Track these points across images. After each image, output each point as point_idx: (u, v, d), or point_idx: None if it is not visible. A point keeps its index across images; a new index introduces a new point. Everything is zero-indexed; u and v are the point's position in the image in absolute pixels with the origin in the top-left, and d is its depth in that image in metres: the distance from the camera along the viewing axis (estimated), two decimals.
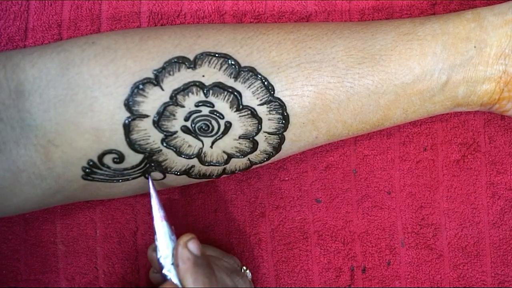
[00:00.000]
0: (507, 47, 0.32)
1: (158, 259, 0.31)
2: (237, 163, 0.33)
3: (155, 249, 0.31)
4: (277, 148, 0.33)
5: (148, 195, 0.39)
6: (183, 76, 0.31)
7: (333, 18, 0.39)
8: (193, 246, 0.31)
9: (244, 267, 0.38)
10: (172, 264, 0.31)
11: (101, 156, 0.31)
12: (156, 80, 0.30)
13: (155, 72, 0.30)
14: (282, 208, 0.40)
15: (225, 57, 0.31)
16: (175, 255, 0.31)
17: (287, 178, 0.40)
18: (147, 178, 0.33)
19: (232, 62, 0.31)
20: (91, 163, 0.31)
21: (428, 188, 0.40)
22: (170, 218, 0.39)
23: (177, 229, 0.39)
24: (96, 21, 0.39)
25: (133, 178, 0.32)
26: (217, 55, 0.31)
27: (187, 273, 0.30)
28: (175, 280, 0.30)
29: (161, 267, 0.31)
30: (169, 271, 0.31)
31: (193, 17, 0.39)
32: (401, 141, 0.40)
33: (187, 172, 0.33)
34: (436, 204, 0.40)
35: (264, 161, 0.34)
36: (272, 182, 0.40)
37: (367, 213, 0.40)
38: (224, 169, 0.33)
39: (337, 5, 0.40)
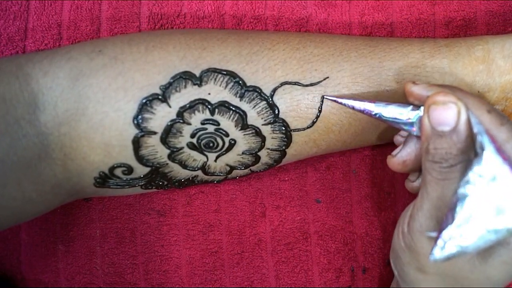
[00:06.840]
0: (510, 92, 0.33)
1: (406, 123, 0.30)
2: (239, 172, 0.34)
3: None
4: (278, 161, 0.34)
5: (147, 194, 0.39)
6: (189, 93, 0.30)
7: (332, 18, 0.39)
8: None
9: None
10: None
11: (111, 169, 0.31)
12: (163, 96, 0.30)
13: (162, 88, 0.30)
14: (282, 208, 0.40)
15: (231, 75, 0.31)
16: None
17: (287, 178, 0.40)
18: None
19: (238, 81, 0.31)
20: (102, 174, 0.31)
21: None
22: (170, 218, 0.39)
23: (177, 229, 0.39)
24: (96, 21, 0.39)
25: (140, 185, 0.33)
26: (223, 72, 0.31)
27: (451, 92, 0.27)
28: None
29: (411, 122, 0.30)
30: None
31: (193, 17, 0.39)
32: None
33: (191, 180, 0.34)
34: None
35: (264, 170, 0.35)
36: (272, 182, 0.40)
37: (367, 214, 0.40)
38: (226, 177, 0.34)
39: (337, 5, 0.39)
